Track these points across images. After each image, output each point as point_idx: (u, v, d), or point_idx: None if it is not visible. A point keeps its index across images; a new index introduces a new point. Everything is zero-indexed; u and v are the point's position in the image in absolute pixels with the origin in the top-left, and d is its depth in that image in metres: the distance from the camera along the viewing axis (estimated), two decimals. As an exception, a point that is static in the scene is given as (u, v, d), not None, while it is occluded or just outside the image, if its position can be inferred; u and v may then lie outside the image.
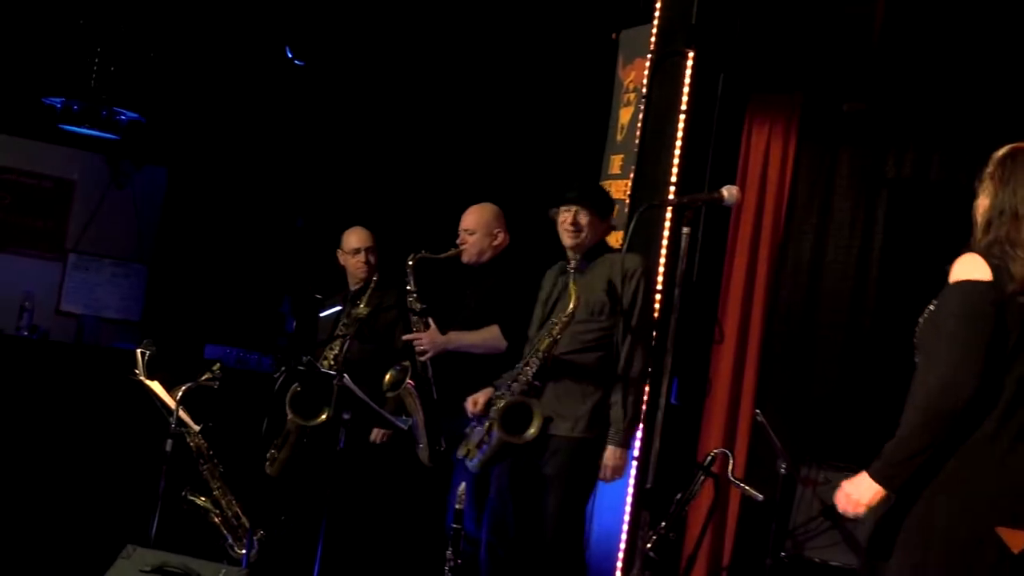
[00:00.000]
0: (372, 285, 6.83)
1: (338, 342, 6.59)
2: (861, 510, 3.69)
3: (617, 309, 5.47)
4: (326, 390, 5.70)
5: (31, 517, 7.31)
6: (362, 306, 6.51)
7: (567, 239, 5.61)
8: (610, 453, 5.44)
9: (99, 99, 8.63)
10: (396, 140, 8.57)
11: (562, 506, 5.49)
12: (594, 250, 5.64)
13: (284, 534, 6.55)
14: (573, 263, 5.58)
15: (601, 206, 5.63)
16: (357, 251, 6.89)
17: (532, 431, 5.43)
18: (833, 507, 5.89)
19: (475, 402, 5.70)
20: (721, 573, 6.74)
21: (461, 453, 5.73)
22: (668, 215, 6.22)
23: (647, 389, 5.67)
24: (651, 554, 5.60)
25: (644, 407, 5.70)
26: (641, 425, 5.86)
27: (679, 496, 5.97)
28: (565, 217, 5.59)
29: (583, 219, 5.56)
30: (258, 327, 9.09)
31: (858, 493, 3.67)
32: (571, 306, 5.45)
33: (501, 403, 5.53)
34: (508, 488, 5.66)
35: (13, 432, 7.54)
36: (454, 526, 5.43)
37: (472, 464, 5.66)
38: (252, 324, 9.16)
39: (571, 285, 5.49)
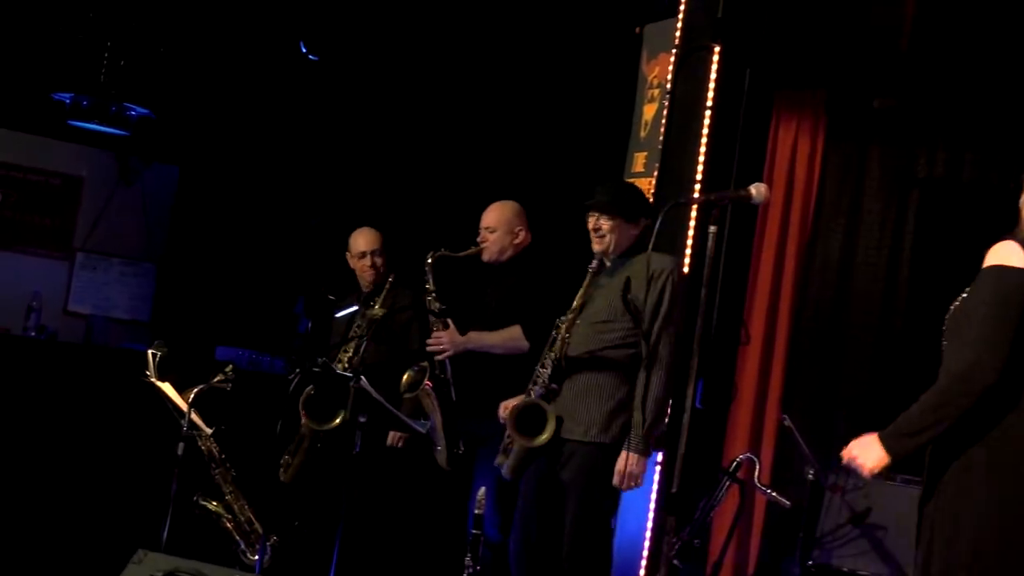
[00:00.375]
0: (387, 286, 6.72)
1: (353, 344, 6.50)
2: (865, 474, 3.73)
3: (632, 310, 5.36)
4: (342, 392, 5.60)
5: (40, 521, 7.20)
6: (377, 307, 6.44)
7: (593, 245, 5.52)
8: (624, 459, 5.27)
9: (109, 95, 8.53)
10: (414, 137, 8.46)
11: (580, 513, 5.36)
12: (630, 250, 5.52)
13: (298, 540, 6.46)
14: (606, 264, 5.51)
15: (626, 209, 5.50)
16: (363, 255, 6.77)
17: (545, 435, 5.33)
18: (862, 514, 5.87)
19: (506, 407, 5.59)
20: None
21: (498, 461, 5.62)
22: (693, 214, 6.10)
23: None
24: (675, 562, 5.49)
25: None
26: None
27: (704, 502, 5.87)
28: (590, 223, 5.50)
29: (605, 224, 5.45)
30: (271, 328, 8.99)
31: (864, 456, 3.72)
32: (575, 303, 5.41)
33: (515, 406, 5.45)
34: (533, 493, 5.56)
35: (22, 434, 7.42)
36: (473, 531, 5.33)
37: (504, 471, 5.56)
38: (264, 325, 9.05)
39: (584, 284, 5.46)
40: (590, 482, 5.35)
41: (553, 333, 5.47)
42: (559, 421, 5.35)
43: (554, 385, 5.42)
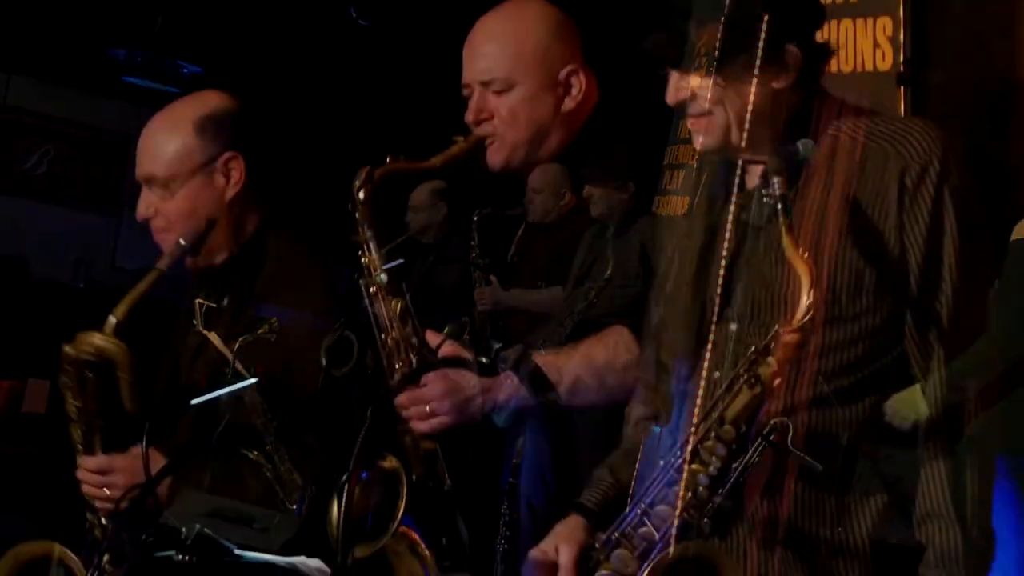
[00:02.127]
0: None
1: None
2: None
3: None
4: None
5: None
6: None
7: None
8: None
9: (162, 50, 8.59)
10: (460, 103, 8.49)
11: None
12: (630, 214, 5.61)
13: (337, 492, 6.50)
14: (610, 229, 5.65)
15: (602, 178, 5.62)
16: (409, 209, 6.87)
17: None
18: (893, 482, 5.86)
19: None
20: (775, 546, 6.64)
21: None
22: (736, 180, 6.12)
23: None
24: (706, 520, 5.53)
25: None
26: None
27: (735, 464, 5.90)
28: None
29: (592, 192, 5.61)
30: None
31: None
32: (608, 271, 5.52)
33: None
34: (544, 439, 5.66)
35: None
36: (510, 480, 5.40)
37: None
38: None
39: (607, 252, 5.60)
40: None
41: (577, 296, 5.57)
42: None
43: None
